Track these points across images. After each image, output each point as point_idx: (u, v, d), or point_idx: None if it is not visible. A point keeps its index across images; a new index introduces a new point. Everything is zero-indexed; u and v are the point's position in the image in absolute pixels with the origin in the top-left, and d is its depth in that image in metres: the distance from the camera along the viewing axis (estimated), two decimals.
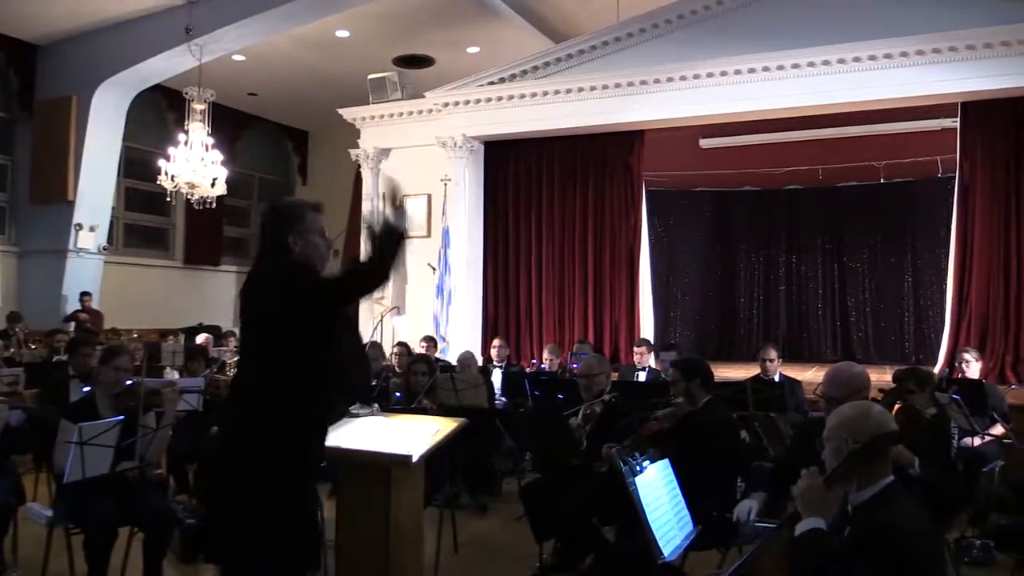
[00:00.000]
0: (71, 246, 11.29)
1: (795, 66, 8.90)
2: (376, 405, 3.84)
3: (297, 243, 2.77)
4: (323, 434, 2.84)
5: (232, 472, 2.66)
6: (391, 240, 2.70)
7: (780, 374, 7.00)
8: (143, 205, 13.63)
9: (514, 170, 10.93)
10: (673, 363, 4.56)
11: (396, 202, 2.90)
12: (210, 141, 10.54)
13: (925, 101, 8.91)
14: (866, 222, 12.67)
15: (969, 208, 8.86)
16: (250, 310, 2.78)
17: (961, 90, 8.54)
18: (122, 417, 3.88)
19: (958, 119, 8.98)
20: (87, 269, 11.54)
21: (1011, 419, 5.91)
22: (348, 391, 3.05)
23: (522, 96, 10.31)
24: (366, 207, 11.61)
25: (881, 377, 7.35)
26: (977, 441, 5.68)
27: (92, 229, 11.43)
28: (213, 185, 10.58)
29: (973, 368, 6.71)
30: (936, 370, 8.41)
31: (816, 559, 2.34)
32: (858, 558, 2.29)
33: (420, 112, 11.23)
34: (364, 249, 2.85)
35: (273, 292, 2.69)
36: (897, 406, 3.86)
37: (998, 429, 5.72)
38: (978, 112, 8.80)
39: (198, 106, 10.44)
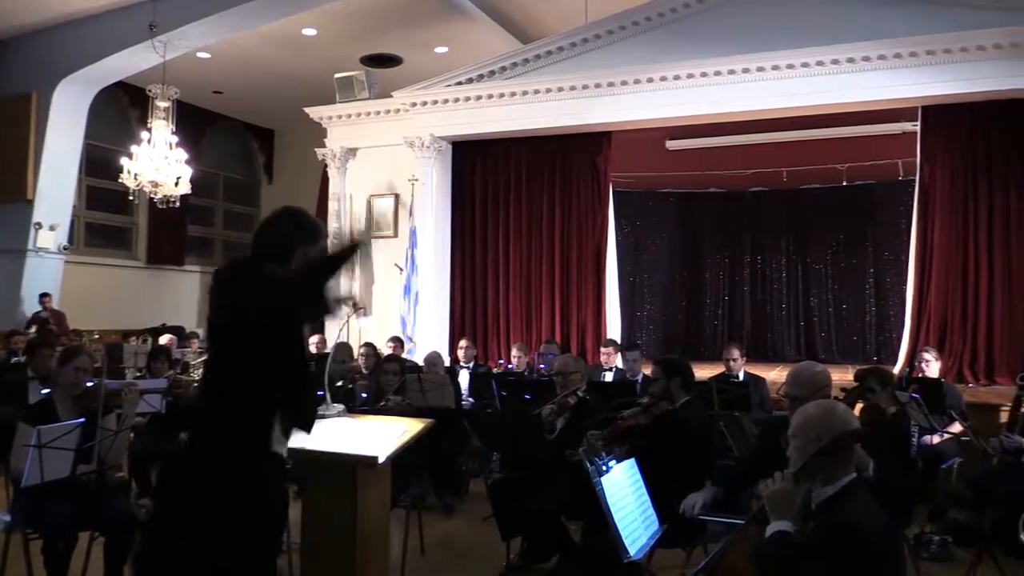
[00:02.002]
0: (30, 246, 11.08)
1: (760, 69, 9.00)
2: (342, 406, 3.82)
3: (298, 256, 2.74)
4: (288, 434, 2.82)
5: (211, 478, 2.62)
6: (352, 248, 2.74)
7: (744, 373, 7.09)
8: (105, 204, 13.42)
9: (482, 170, 10.93)
10: (656, 361, 4.60)
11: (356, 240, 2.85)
12: (174, 139, 10.40)
13: (886, 105, 9.06)
14: (829, 224, 12.86)
15: (929, 210, 9.01)
16: (247, 308, 2.65)
17: (921, 94, 8.69)
18: (83, 420, 3.82)
19: (918, 123, 9.14)
20: (47, 269, 11.33)
21: (968, 417, 6.02)
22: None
23: (490, 96, 10.32)
24: (333, 207, 11.54)
25: (843, 376, 7.45)
26: (936, 439, 5.80)
27: (52, 228, 11.23)
28: (177, 184, 10.45)
29: (932, 367, 6.84)
30: (896, 369, 8.56)
31: (780, 560, 2.37)
32: (820, 554, 2.33)
33: (388, 112, 11.18)
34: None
35: (278, 298, 2.64)
36: (859, 405, 3.92)
37: (956, 427, 5.83)
38: (938, 116, 8.96)
39: (162, 104, 10.30)
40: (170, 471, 2.84)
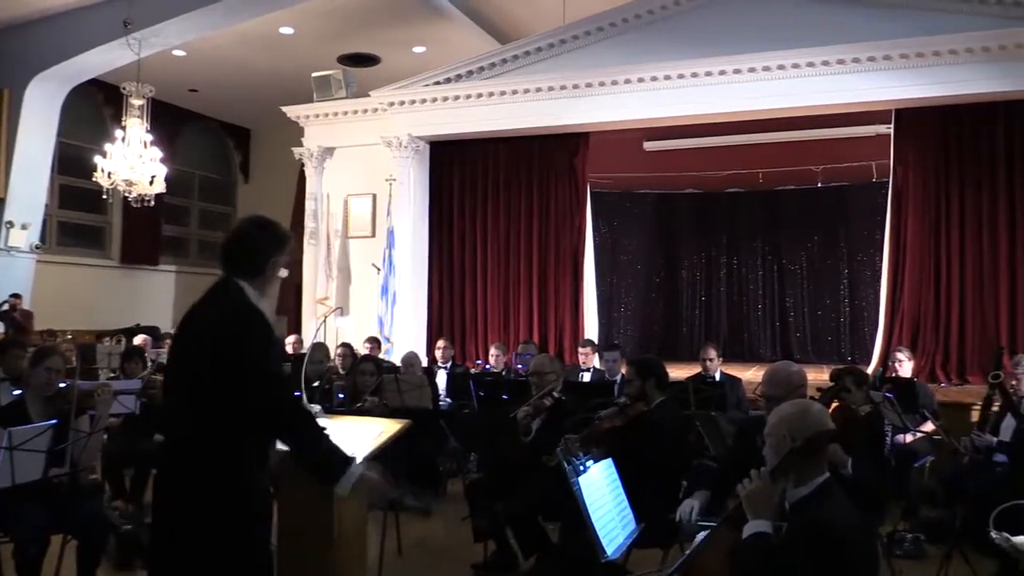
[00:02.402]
0: (1, 245, 10.92)
1: (736, 71, 9.06)
2: (319, 407, 3.80)
3: (269, 270, 2.69)
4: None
5: (185, 488, 2.58)
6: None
7: (721, 373, 7.14)
8: (78, 203, 13.26)
9: (459, 170, 10.92)
10: (630, 362, 4.60)
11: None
12: (149, 138, 10.29)
13: (861, 108, 9.16)
14: (804, 225, 12.98)
15: (902, 212, 9.12)
16: (210, 345, 2.55)
17: (894, 97, 8.79)
18: (55, 421, 3.77)
19: (892, 125, 9.24)
20: (18, 268, 11.17)
21: (940, 416, 6.10)
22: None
23: (468, 97, 10.31)
24: (310, 206, 11.49)
25: (818, 376, 7.53)
26: (909, 438, 5.87)
27: (24, 227, 11.06)
28: (152, 183, 10.34)
29: (905, 367, 6.92)
30: (870, 369, 8.64)
31: (758, 560, 2.39)
32: (795, 554, 2.35)
33: (365, 111, 11.14)
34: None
35: (232, 329, 2.55)
36: (834, 405, 3.95)
37: (928, 426, 5.91)
38: (911, 119, 9.07)
39: (136, 101, 10.18)
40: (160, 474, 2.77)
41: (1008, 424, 5.11)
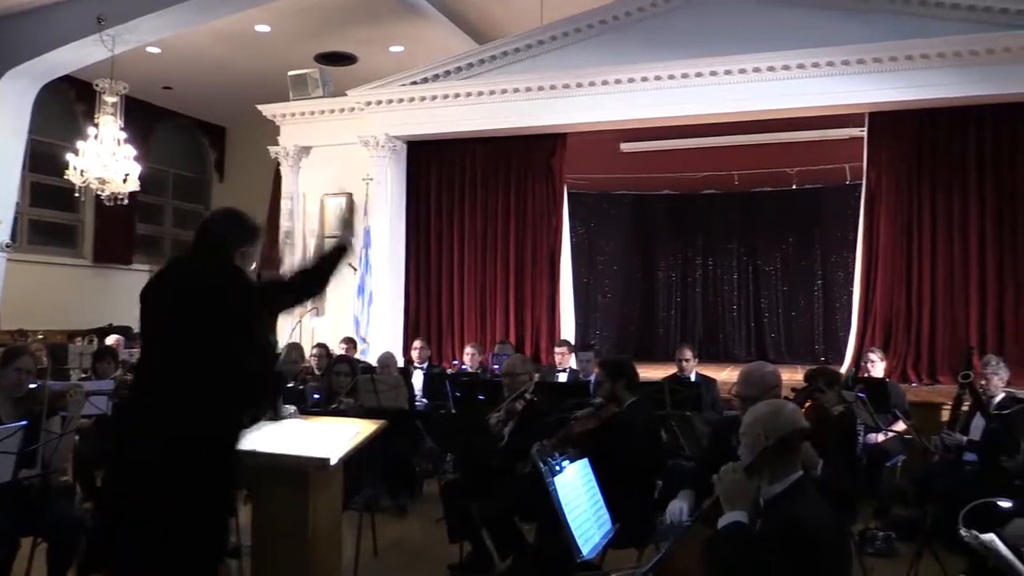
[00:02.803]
0: None
1: (713, 74, 9.12)
2: (294, 407, 3.78)
3: (237, 258, 2.74)
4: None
5: (155, 485, 2.57)
6: (339, 257, 2.89)
7: (696, 373, 7.19)
8: (50, 201, 13.08)
9: (437, 170, 10.90)
10: (600, 363, 4.62)
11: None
12: (122, 135, 10.17)
13: (835, 111, 9.24)
14: (779, 226, 13.09)
15: (874, 214, 9.22)
16: (191, 308, 2.63)
17: (868, 101, 8.88)
18: (26, 422, 3.72)
19: (865, 129, 9.34)
20: None
21: (911, 416, 6.18)
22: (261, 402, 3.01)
23: (445, 96, 10.29)
24: (285, 206, 11.41)
25: (793, 376, 7.59)
26: (881, 437, 5.94)
27: None
28: (125, 181, 10.22)
29: (878, 367, 7.00)
30: (843, 369, 8.73)
31: (734, 550, 2.41)
32: (769, 550, 2.37)
33: (342, 110, 11.09)
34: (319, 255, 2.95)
35: (227, 291, 2.60)
36: (807, 404, 3.99)
37: (900, 425, 5.98)
38: (884, 122, 9.17)
39: (109, 99, 10.06)
40: (119, 474, 2.75)
41: (978, 423, 5.19)
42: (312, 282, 2.80)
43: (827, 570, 2.40)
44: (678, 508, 3.62)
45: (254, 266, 2.85)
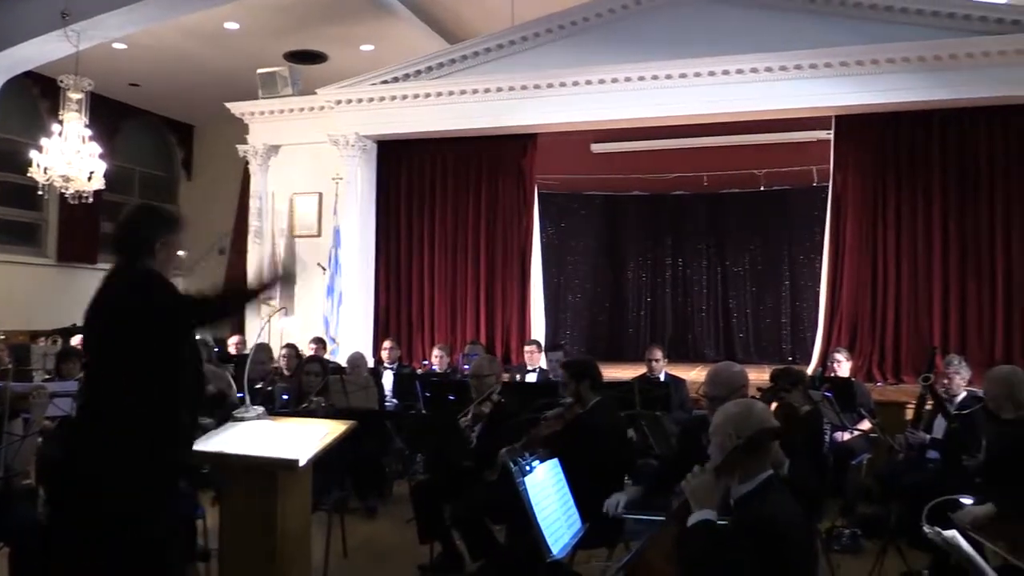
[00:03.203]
0: None
1: (682, 76, 9.18)
2: (262, 408, 3.75)
3: (161, 251, 2.78)
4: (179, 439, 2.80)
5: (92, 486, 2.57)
6: (273, 283, 2.88)
7: (666, 373, 7.23)
8: (13, 199, 12.84)
9: (407, 170, 10.86)
10: (563, 365, 4.63)
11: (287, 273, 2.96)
12: (87, 133, 10.01)
13: (802, 113, 9.35)
14: (747, 228, 13.19)
15: (841, 216, 9.34)
16: (114, 315, 2.68)
17: (835, 104, 9.00)
18: None
19: (832, 131, 9.46)
20: None
21: (877, 414, 6.28)
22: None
23: (416, 96, 10.26)
24: (254, 205, 11.31)
25: (760, 376, 7.66)
26: (847, 436, 6.02)
27: None
28: (90, 179, 10.06)
29: (844, 367, 7.11)
30: (810, 369, 8.84)
31: (703, 547, 2.44)
32: (740, 548, 2.40)
33: (312, 109, 11.01)
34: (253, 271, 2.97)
35: (144, 296, 2.62)
36: (774, 404, 4.04)
37: (865, 424, 6.07)
38: (850, 125, 9.29)
39: (74, 95, 9.89)
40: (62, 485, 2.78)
41: (940, 422, 5.28)
42: (228, 306, 2.84)
43: (796, 567, 2.43)
44: (615, 501, 3.71)
45: (182, 252, 2.92)
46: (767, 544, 2.38)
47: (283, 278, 2.96)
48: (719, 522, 2.52)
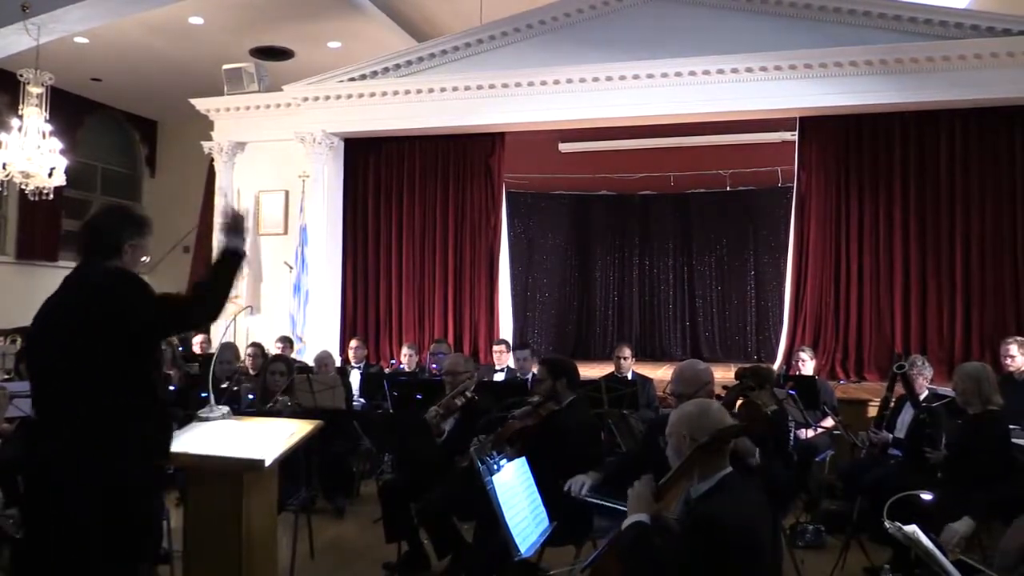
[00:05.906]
0: None
1: (649, 76, 9.23)
2: (227, 408, 3.71)
3: (129, 253, 2.77)
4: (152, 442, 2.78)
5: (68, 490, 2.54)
6: (232, 268, 2.82)
7: (633, 372, 7.27)
8: None
9: (375, 168, 10.81)
10: (542, 361, 4.64)
11: (238, 225, 2.90)
12: (48, 128, 9.83)
13: (767, 115, 9.46)
14: (713, 227, 13.34)
15: (805, 216, 9.46)
16: (79, 315, 2.64)
17: (799, 105, 9.11)
18: None
19: (796, 132, 9.58)
20: None
21: (840, 412, 6.36)
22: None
23: (384, 94, 10.22)
24: (219, 202, 11.18)
25: (726, 374, 7.74)
26: (811, 433, 6.10)
27: None
28: (51, 175, 9.88)
29: (808, 365, 7.20)
30: (775, 367, 8.94)
31: (635, 545, 2.46)
32: (685, 547, 2.42)
33: (278, 106, 10.91)
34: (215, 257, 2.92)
35: (116, 296, 2.59)
36: (740, 402, 4.08)
37: (829, 422, 6.16)
38: (814, 127, 9.41)
39: (34, 89, 9.71)
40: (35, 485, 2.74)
41: (904, 420, 5.37)
42: (207, 307, 2.78)
43: (744, 565, 2.44)
44: (580, 482, 3.75)
45: (146, 259, 2.89)
46: (707, 543, 2.39)
47: (232, 227, 2.90)
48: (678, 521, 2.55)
